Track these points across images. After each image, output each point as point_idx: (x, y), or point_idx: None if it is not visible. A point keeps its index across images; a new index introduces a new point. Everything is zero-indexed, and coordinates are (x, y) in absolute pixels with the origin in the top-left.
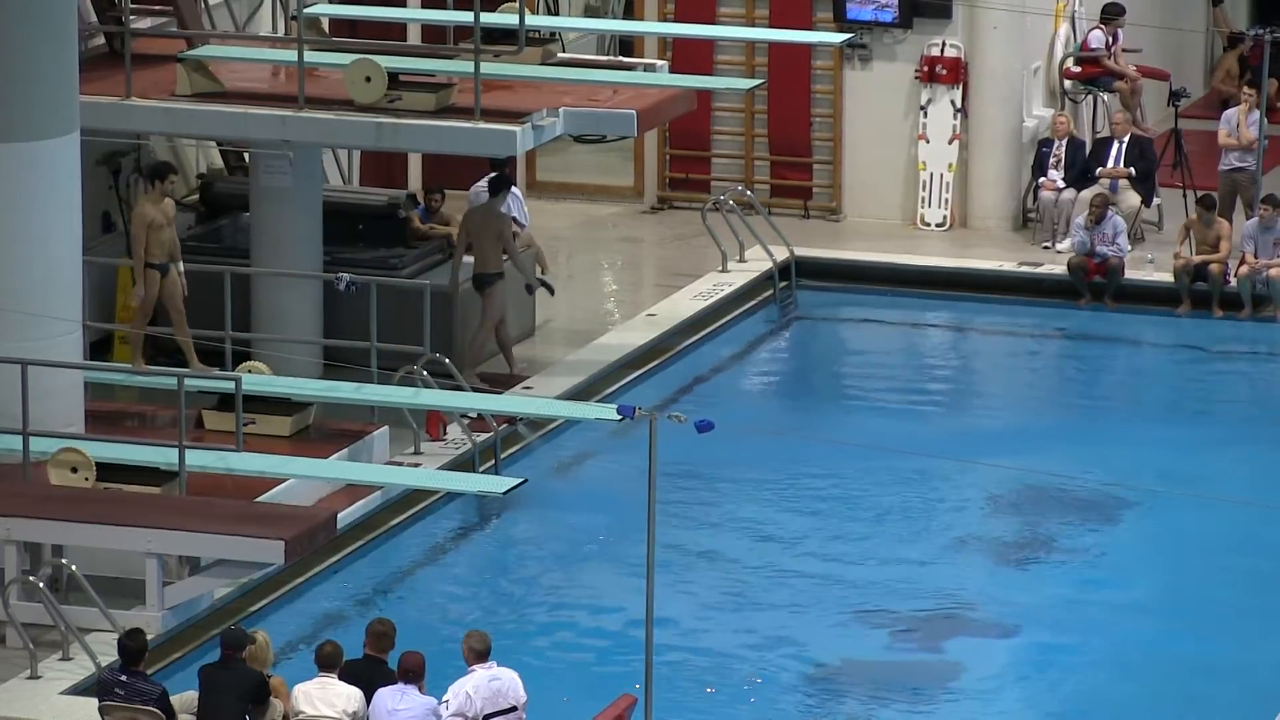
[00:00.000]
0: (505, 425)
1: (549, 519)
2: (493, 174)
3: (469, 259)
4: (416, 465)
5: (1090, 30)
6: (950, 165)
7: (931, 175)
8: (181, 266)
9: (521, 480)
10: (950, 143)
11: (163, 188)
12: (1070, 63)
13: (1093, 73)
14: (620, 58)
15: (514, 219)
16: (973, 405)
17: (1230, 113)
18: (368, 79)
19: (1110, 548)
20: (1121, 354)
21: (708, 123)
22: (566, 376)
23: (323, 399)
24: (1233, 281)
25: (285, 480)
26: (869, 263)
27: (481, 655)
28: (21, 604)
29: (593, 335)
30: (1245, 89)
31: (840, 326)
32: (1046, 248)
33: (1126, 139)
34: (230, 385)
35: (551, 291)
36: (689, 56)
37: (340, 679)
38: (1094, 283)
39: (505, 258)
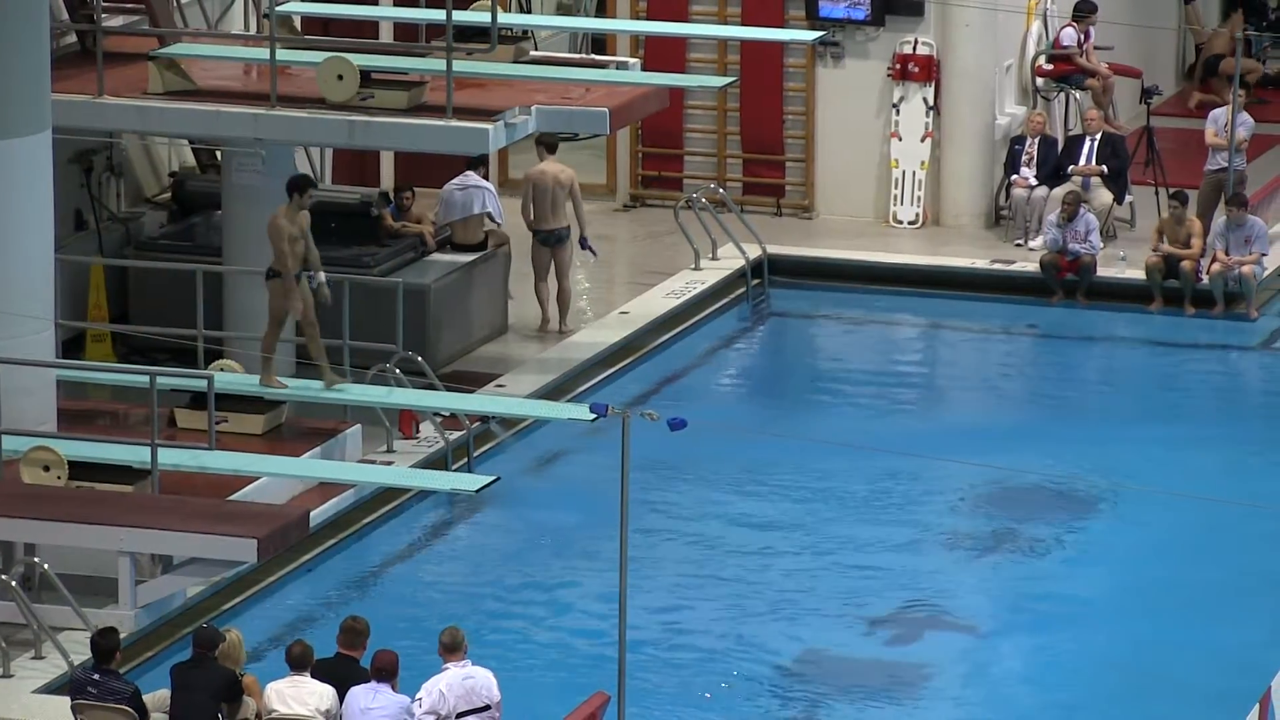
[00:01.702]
0: (478, 423)
1: (522, 517)
2: (540, 135)
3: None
4: (389, 463)
5: (1062, 28)
6: (923, 163)
7: (904, 173)
8: (322, 276)
9: (494, 478)
10: (923, 140)
11: (300, 201)
12: (1042, 60)
13: (1065, 70)
14: (593, 56)
15: (489, 214)
16: (945, 403)
17: (1218, 112)
18: (340, 77)
19: (1083, 545)
20: (1094, 351)
21: (680, 121)
22: (539, 374)
23: (294, 398)
24: (1205, 279)
25: (258, 478)
26: (842, 260)
27: (454, 650)
28: None
29: (566, 333)
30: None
31: (813, 324)
32: (1019, 245)
33: (1099, 136)
34: (202, 384)
35: (595, 254)
36: (661, 54)
37: (313, 677)
38: (1066, 280)
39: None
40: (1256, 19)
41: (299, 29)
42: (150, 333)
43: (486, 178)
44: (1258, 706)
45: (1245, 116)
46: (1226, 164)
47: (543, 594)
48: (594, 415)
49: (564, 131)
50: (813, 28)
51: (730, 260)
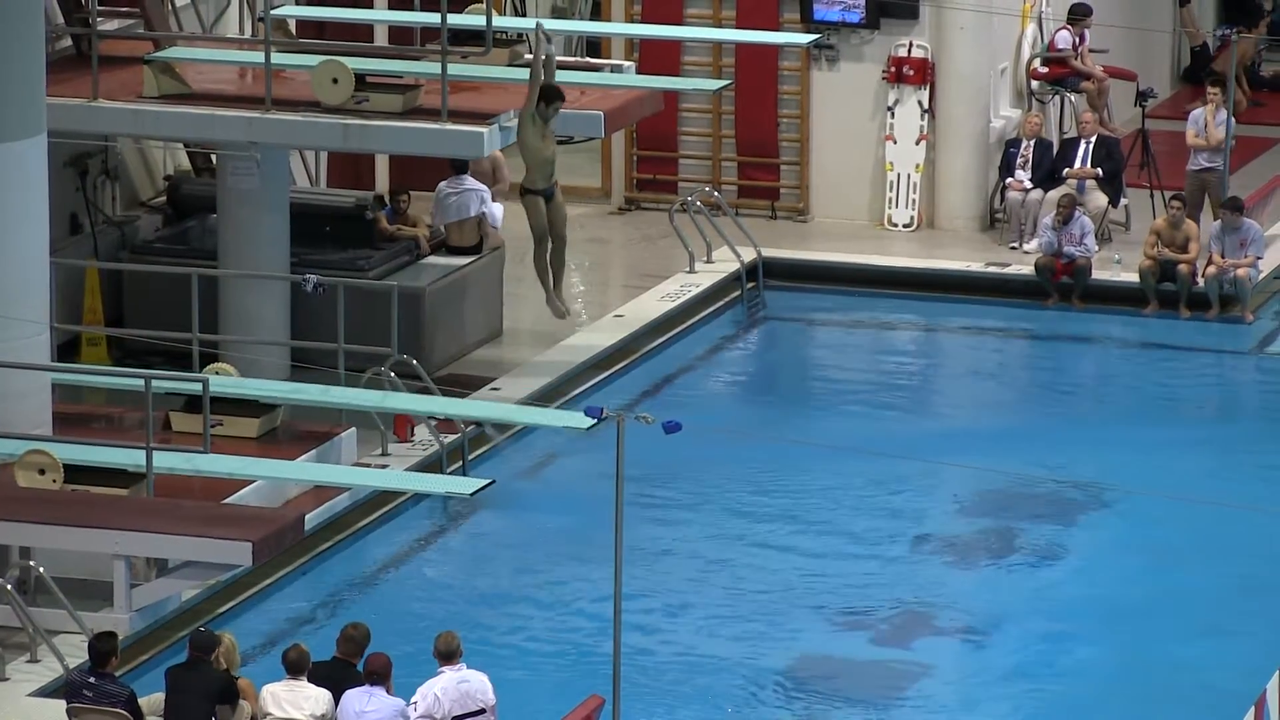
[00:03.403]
0: (473, 426)
1: (516, 520)
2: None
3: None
4: (384, 466)
5: (1057, 31)
6: (917, 166)
7: (899, 176)
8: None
9: (489, 481)
10: (917, 143)
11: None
12: (1037, 63)
13: (1060, 73)
14: (587, 59)
15: (484, 214)
16: (940, 406)
17: (1197, 113)
18: (335, 80)
19: (1077, 548)
20: (1088, 354)
21: (675, 123)
22: (534, 378)
23: (288, 401)
24: (1200, 282)
25: (253, 482)
26: (836, 263)
27: (449, 656)
28: None
29: (560, 336)
30: (1210, 88)
31: (807, 327)
32: (1014, 248)
33: (1093, 139)
34: (198, 387)
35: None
36: (656, 57)
37: (309, 681)
38: (1061, 283)
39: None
40: (1248, 20)
41: (294, 32)
42: (145, 336)
43: None
44: (1253, 709)
45: (1223, 115)
46: (1207, 164)
47: (538, 597)
48: (592, 420)
49: (559, 134)
50: (807, 30)
51: (725, 263)
